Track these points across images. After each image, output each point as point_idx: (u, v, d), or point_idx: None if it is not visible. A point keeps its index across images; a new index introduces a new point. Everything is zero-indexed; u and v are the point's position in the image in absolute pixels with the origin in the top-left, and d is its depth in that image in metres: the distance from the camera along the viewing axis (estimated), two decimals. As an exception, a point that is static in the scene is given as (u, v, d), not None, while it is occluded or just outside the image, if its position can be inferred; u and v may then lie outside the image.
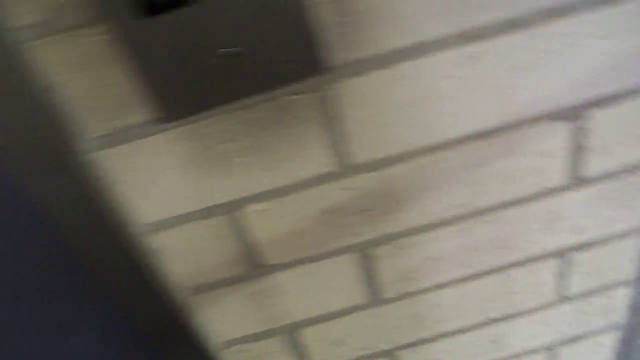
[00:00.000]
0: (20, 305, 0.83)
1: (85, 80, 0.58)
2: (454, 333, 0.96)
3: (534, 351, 1.04)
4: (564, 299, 0.94)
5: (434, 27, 0.60)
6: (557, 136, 0.72)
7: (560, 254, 0.86)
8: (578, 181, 0.77)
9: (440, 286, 0.87)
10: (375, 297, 0.86)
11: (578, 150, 0.74)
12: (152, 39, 0.55)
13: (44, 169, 0.61)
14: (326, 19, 0.58)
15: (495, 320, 0.96)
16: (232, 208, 0.71)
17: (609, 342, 1.06)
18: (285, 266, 0.79)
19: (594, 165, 0.76)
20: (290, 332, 0.88)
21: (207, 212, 0.71)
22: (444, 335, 0.96)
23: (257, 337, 0.88)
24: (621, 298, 0.97)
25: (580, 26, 0.62)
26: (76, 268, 0.78)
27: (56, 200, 0.64)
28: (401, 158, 0.70)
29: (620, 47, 0.65)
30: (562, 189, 0.78)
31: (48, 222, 0.71)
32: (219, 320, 0.84)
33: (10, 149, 0.60)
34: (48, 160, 0.61)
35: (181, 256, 0.75)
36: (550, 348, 1.04)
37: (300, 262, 0.79)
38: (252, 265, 0.77)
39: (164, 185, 0.67)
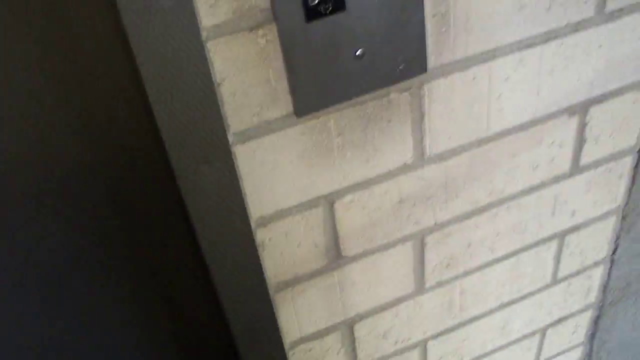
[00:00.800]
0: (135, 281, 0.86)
1: (242, 78, 0.68)
2: (472, 320, 1.11)
3: (529, 335, 1.21)
4: (556, 280, 1.13)
5: (499, 38, 0.78)
6: (568, 129, 0.92)
7: (558, 236, 1.05)
8: (577, 169, 0.97)
9: (470, 272, 1.02)
10: (419, 287, 0.99)
11: (580, 141, 0.94)
12: (306, 40, 0.68)
13: (197, 156, 0.70)
14: (429, 30, 0.73)
15: (504, 305, 1.12)
16: (329, 199, 0.82)
17: (585, 322, 1.25)
18: (356, 258, 0.90)
19: (588, 154, 0.97)
20: (348, 327, 0.98)
21: (308, 204, 0.81)
22: (465, 323, 1.10)
23: (320, 334, 0.97)
24: (598, 278, 1.17)
25: (594, 36, 0.83)
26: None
27: (197, 187, 0.72)
28: (460, 150, 0.86)
29: (615, 53, 0.86)
30: (566, 176, 0.97)
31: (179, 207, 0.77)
32: (291, 318, 0.92)
33: (173, 135, 0.68)
34: (202, 149, 0.69)
35: (276, 251, 0.84)
36: (541, 332, 1.21)
37: (368, 253, 0.90)
38: (332, 258, 0.88)
39: (281, 179, 0.77)
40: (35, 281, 0.79)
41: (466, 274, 1.02)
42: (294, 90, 0.70)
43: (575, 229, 1.06)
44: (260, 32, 0.66)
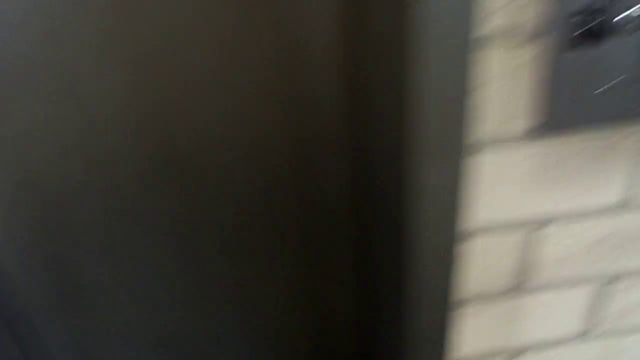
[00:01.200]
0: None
1: (495, 89, 0.72)
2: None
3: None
4: None
5: None
6: None
7: None
8: None
9: (637, 331, 1.00)
10: (585, 331, 0.98)
11: None
12: (567, 64, 0.71)
13: (432, 156, 0.73)
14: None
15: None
16: (534, 225, 0.83)
17: None
18: (538, 288, 0.91)
19: None
20: (510, 356, 0.98)
21: (513, 225, 0.83)
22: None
23: (482, 357, 0.97)
24: None
25: None
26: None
27: (420, 186, 0.75)
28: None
29: None
30: None
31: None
32: (459, 335, 0.94)
33: (416, 133, 0.72)
34: (439, 151, 0.73)
35: (468, 266, 0.86)
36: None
37: (551, 286, 0.91)
38: (517, 284, 0.89)
39: (498, 194, 0.80)
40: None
41: (634, 332, 1.00)
42: (546, 108, 0.73)
43: None
44: (526, 48, 0.69)
